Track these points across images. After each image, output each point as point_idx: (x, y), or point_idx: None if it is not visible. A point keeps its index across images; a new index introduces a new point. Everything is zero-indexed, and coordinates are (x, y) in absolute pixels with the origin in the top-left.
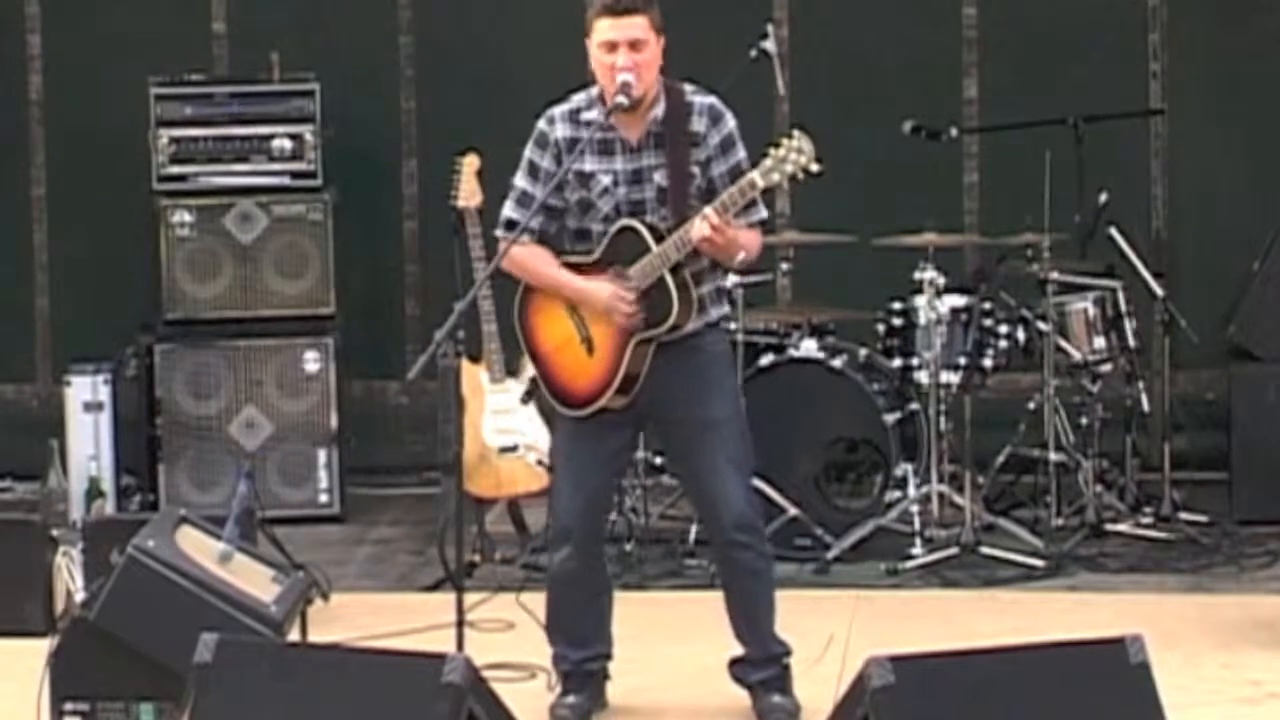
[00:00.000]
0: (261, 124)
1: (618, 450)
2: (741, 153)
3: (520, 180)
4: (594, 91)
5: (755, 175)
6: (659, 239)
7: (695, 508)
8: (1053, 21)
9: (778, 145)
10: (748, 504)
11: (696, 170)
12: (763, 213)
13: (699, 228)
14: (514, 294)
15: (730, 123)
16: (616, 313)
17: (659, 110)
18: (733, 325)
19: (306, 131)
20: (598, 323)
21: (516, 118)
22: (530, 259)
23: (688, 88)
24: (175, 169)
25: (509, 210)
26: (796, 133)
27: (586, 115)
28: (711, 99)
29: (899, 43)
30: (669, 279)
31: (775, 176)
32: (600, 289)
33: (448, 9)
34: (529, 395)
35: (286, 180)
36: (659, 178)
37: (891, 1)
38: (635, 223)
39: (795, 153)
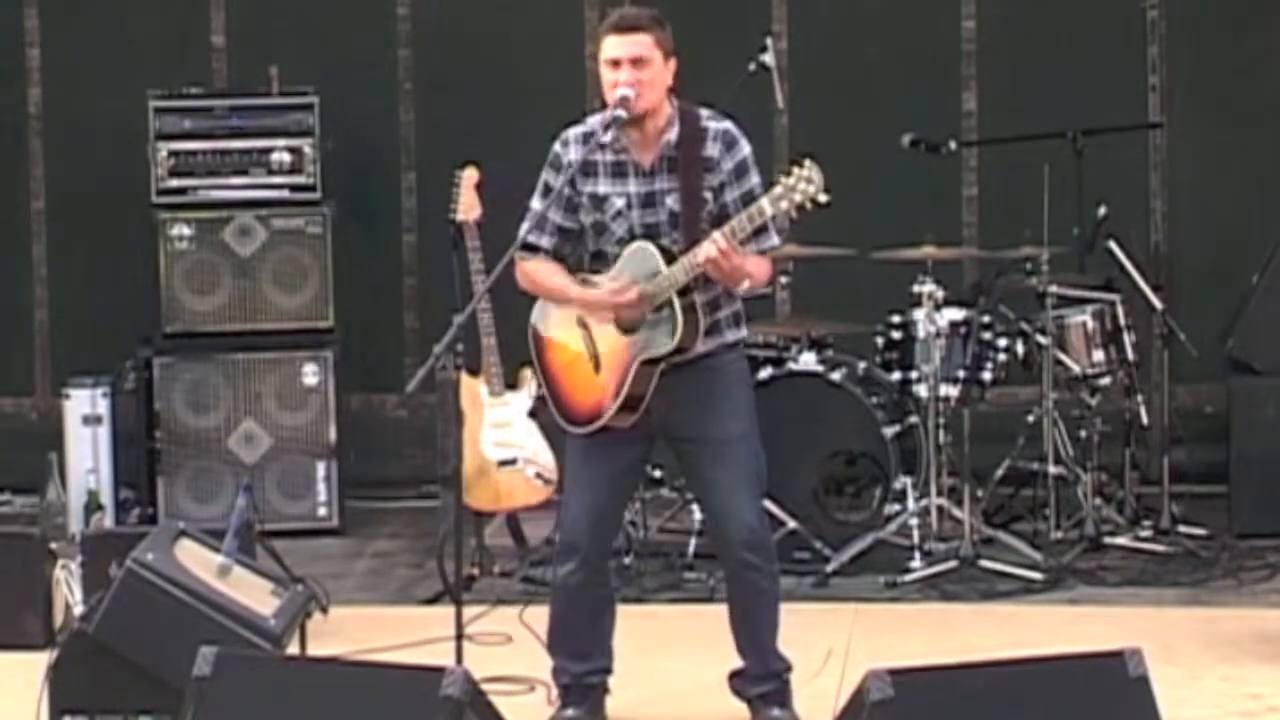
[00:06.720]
0: (260, 137)
1: (628, 468)
2: (755, 179)
3: (536, 203)
4: (608, 114)
5: (764, 203)
6: (669, 261)
7: (708, 525)
8: (1052, 34)
9: (788, 173)
10: (759, 524)
11: (709, 195)
12: (774, 239)
13: (705, 250)
14: (514, 308)
15: (745, 149)
16: (618, 300)
17: (673, 134)
18: None
19: (305, 145)
20: (605, 341)
21: (515, 131)
22: (537, 271)
23: (704, 112)
24: (174, 182)
25: (525, 233)
26: (808, 162)
27: (601, 138)
28: (727, 124)
29: (898, 55)
30: (676, 301)
31: (784, 205)
32: (599, 289)
33: (446, 22)
34: (535, 412)
35: (285, 193)
36: (671, 202)
37: (890, 14)
38: (649, 244)
39: (805, 182)
